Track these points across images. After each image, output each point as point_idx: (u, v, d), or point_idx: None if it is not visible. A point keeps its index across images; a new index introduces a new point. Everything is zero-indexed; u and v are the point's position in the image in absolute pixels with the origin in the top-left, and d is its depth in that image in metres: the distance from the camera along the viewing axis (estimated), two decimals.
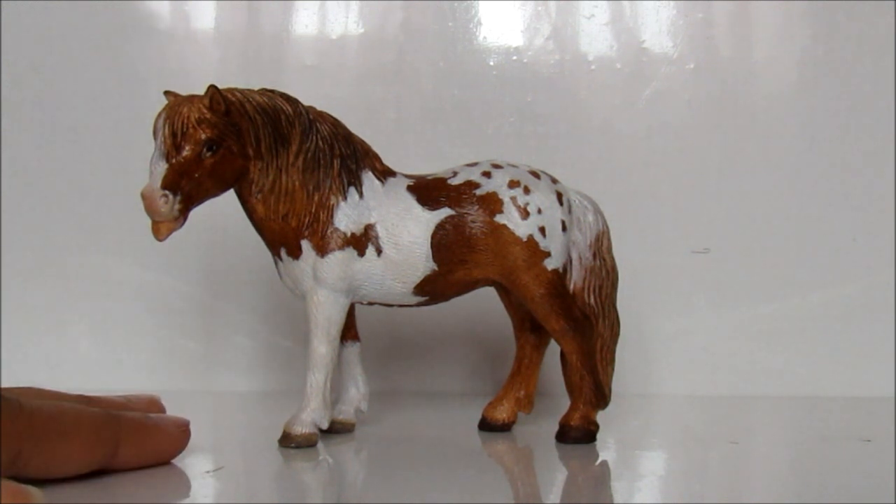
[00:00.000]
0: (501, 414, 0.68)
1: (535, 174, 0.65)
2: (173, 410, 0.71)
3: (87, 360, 0.87)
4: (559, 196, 0.64)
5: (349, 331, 0.66)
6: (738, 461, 0.64)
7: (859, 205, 0.89)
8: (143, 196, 0.55)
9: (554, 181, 0.65)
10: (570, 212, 0.65)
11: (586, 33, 0.90)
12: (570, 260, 0.65)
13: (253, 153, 0.58)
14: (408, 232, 0.61)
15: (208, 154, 0.56)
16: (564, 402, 0.66)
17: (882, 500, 0.51)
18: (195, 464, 0.59)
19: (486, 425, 0.69)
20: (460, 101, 0.90)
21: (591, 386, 0.64)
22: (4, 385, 0.54)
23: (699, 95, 0.89)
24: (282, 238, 0.61)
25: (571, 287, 0.65)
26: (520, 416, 0.69)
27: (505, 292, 0.67)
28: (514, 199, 0.62)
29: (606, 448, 0.64)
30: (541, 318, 0.63)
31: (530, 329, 0.68)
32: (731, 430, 0.74)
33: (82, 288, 0.88)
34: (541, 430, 0.68)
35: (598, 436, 0.65)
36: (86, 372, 0.87)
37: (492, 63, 0.90)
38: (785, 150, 0.90)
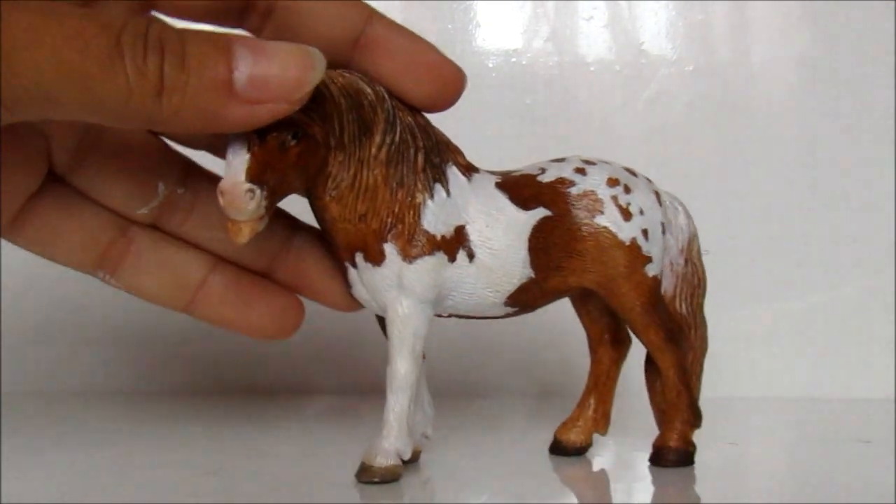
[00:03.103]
0: (577, 436, 0.62)
1: (632, 171, 0.59)
2: (174, 411, 0.71)
3: (89, 361, 0.87)
4: (657, 196, 0.59)
5: None
6: (738, 463, 0.64)
7: (859, 206, 0.89)
8: (224, 192, 0.46)
9: (648, 180, 0.60)
10: (665, 213, 0.60)
11: (585, 35, 0.90)
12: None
13: (335, 143, 0.50)
14: (503, 234, 0.54)
15: (293, 142, 0.47)
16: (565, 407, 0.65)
17: (882, 502, 0.51)
18: (195, 464, 0.59)
19: (559, 449, 0.62)
20: (459, 102, 0.89)
21: (688, 403, 0.59)
22: None
23: (698, 97, 0.90)
24: (359, 241, 0.53)
25: (661, 295, 0.59)
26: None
27: (582, 302, 0.62)
28: (614, 198, 0.56)
29: (606, 450, 0.64)
30: (638, 329, 0.58)
31: (610, 342, 0.62)
32: (730, 432, 0.74)
33: (83, 287, 0.88)
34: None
35: (597, 438, 0.63)
36: (86, 373, 0.87)
37: (491, 65, 0.90)
38: (784, 152, 0.90)
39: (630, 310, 0.57)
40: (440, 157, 0.55)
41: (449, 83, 0.54)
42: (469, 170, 0.56)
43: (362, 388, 0.83)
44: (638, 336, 0.58)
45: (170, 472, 0.57)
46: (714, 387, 0.87)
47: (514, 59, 0.90)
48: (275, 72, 0.41)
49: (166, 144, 0.54)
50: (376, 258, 0.52)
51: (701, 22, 0.90)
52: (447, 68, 0.53)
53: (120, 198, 0.52)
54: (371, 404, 0.69)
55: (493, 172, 0.57)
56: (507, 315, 0.57)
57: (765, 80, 0.90)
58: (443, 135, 0.56)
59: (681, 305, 0.60)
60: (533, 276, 0.55)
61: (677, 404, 0.59)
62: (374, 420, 0.68)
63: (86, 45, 0.38)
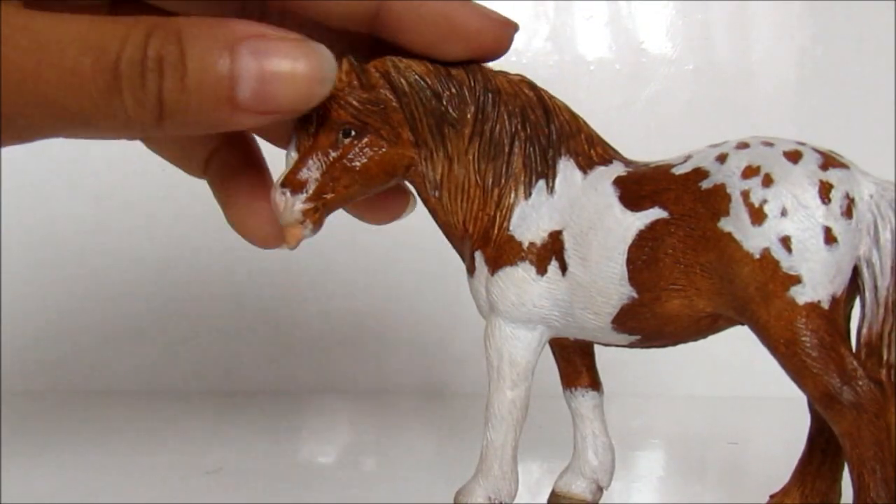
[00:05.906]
0: None
1: (795, 155, 0.44)
2: (174, 411, 0.71)
3: (90, 360, 0.87)
4: (824, 188, 0.42)
5: (581, 376, 0.50)
6: (738, 462, 0.64)
7: None
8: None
9: (827, 165, 0.44)
10: (848, 213, 0.43)
11: (585, 34, 0.90)
12: (862, 290, 0.43)
13: (414, 139, 0.45)
14: (598, 241, 0.44)
15: (346, 141, 0.43)
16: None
17: None
18: (195, 464, 0.59)
19: None
20: None
21: (880, 485, 0.41)
22: None
23: (698, 96, 0.89)
24: (462, 249, 0.47)
25: (864, 333, 0.43)
26: None
27: None
28: (745, 193, 0.42)
29: None
30: (792, 376, 0.43)
31: None
32: (730, 431, 0.74)
33: (83, 287, 0.88)
34: None
35: None
36: (86, 373, 0.87)
37: (491, 63, 0.90)
38: None
39: (774, 349, 0.42)
40: (556, 148, 0.46)
41: (490, 47, 0.47)
42: (594, 162, 0.46)
43: (363, 389, 0.83)
44: (797, 386, 0.43)
45: (170, 472, 0.57)
46: (714, 386, 0.87)
47: (514, 59, 0.89)
48: (281, 88, 0.38)
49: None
50: (469, 267, 0.46)
51: (701, 21, 0.90)
52: (488, 31, 0.47)
53: None
54: (371, 405, 0.69)
55: (628, 164, 0.47)
56: (634, 345, 0.46)
57: (764, 78, 0.90)
58: (575, 122, 0.47)
59: (890, 351, 0.43)
60: (635, 295, 0.44)
61: (861, 487, 0.41)
62: (374, 421, 0.68)
63: (82, 85, 0.36)
